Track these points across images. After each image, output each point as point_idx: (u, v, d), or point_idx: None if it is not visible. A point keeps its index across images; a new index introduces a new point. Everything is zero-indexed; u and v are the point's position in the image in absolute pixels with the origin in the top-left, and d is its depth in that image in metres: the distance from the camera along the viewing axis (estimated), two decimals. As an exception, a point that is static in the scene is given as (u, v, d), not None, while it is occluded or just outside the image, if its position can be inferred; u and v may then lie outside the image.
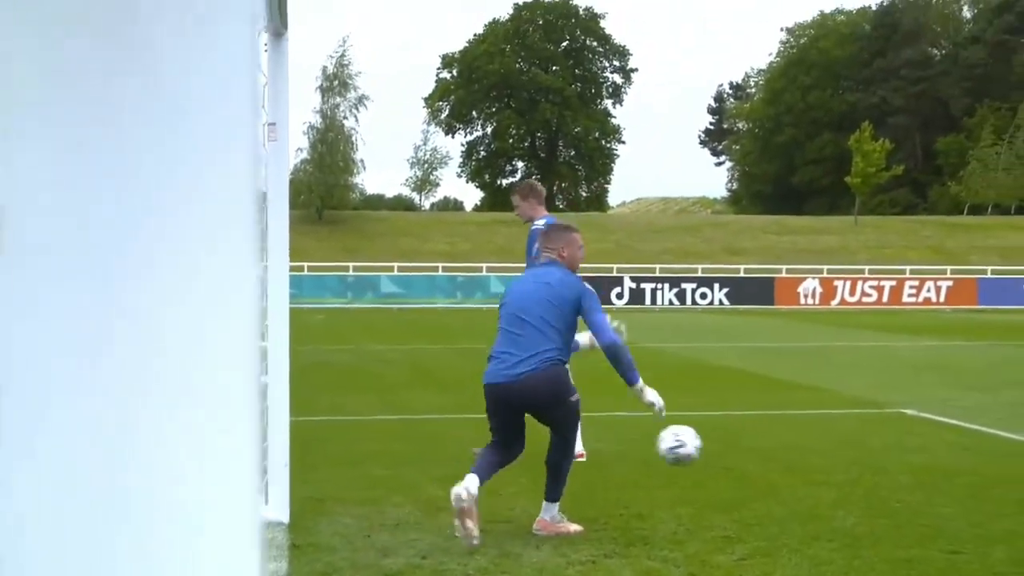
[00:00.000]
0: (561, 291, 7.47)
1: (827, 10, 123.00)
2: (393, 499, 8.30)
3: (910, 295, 45.68)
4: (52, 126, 0.70)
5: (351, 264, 47.35)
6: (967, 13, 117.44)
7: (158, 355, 0.71)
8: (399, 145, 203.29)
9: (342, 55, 70.56)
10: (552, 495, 7.56)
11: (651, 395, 7.48)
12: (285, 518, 7.36)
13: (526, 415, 7.63)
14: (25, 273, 0.69)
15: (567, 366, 7.63)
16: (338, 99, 70.55)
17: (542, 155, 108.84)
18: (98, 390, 0.70)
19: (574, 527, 7.43)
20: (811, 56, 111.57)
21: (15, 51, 0.68)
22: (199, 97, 0.72)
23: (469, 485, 7.03)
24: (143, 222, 0.71)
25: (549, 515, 7.47)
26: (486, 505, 8.06)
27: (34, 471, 0.70)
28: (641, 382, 7.45)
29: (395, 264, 47.16)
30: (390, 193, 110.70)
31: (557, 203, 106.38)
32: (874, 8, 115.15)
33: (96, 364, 0.70)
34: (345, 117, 70.95)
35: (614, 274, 45.86)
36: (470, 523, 6.88)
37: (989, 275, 49.16)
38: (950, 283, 46.37)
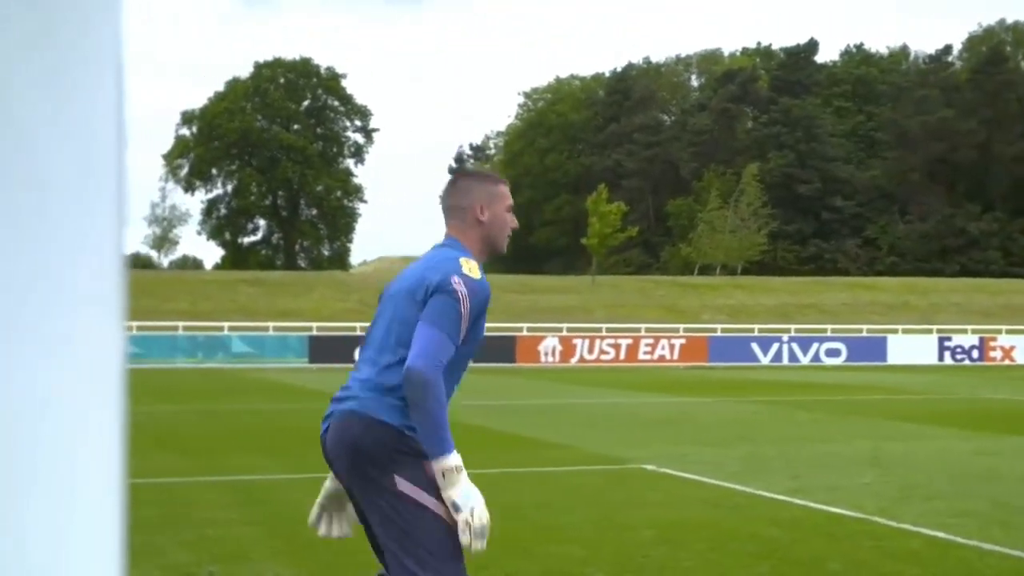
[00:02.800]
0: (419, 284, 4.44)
1: (563, 75, 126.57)
2: (142, 566, 8.08)
3: (646, 352, 47.10)
4: None
5: (85, 324, 45.80)
6: (694, 82, 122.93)
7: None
8: (136, 202, 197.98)
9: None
10: None
11: (460, 493, 4.23)
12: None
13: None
14: None
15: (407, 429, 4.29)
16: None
17: (284, 213, 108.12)
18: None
19: None
20: (548, 119, 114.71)
21: None
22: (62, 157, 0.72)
23: None
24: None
25: None
26: (235, 570, 7.94)
27: None
28: (451, 460, 4.21)
29: (134, 324, 45.89)
30: (127, 251, 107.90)
31: (299, 261, 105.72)
32: (607, 75, 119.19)
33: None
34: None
35: (358, 332, 45.74)
36: None
37: (719, 333, 51.20)
38: (683, 341, 48.05)
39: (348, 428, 4.33)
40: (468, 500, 4.19)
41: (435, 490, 4.21)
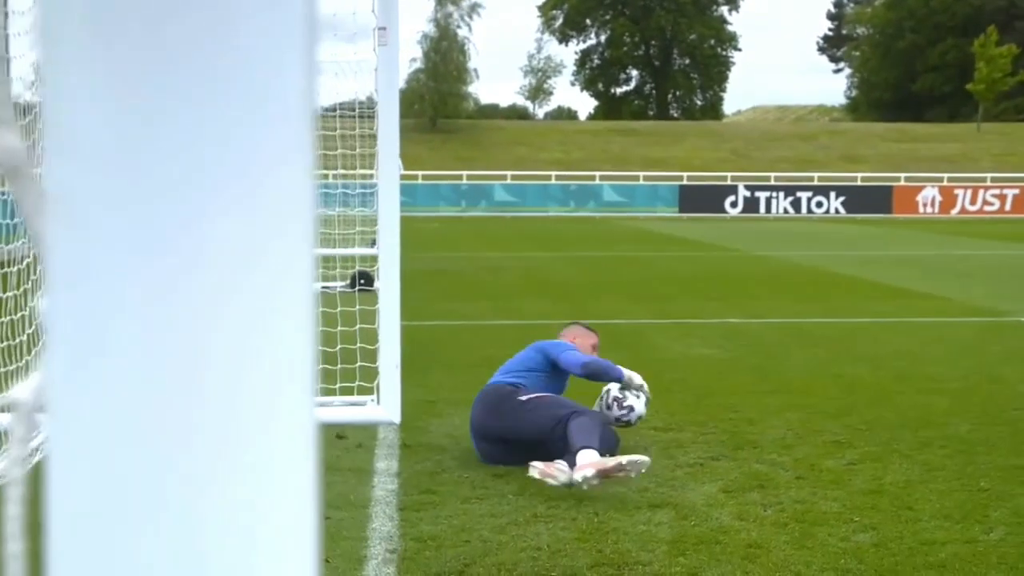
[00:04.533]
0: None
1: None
2: (503, 402, 8.38)
3: (1035, 204, 44.57)
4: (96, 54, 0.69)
5: (465, 173, 47.47)
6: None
7: (202, 267, 0.70)
8: (513, 54, 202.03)
9: (457, -37, 70.33)
10: None
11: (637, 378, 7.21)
12: (397, 419, 7.49)
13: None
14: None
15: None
16: (451, 8, 70.44)
17: (656, 63, 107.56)
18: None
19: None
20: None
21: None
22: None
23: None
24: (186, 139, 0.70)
25: None
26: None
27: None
28: (626, 373, 7.17)
29: (508, 173, 47.17)
30: (504, 102, 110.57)
31: (671, 111, 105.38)
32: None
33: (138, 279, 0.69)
34: (459, 26, 70.91)
35: (728, 182, 45.39)
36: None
37: (1119, 183, 47.72)
38: (1078, 191, 45.11)
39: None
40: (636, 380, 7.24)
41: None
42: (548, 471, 6.12)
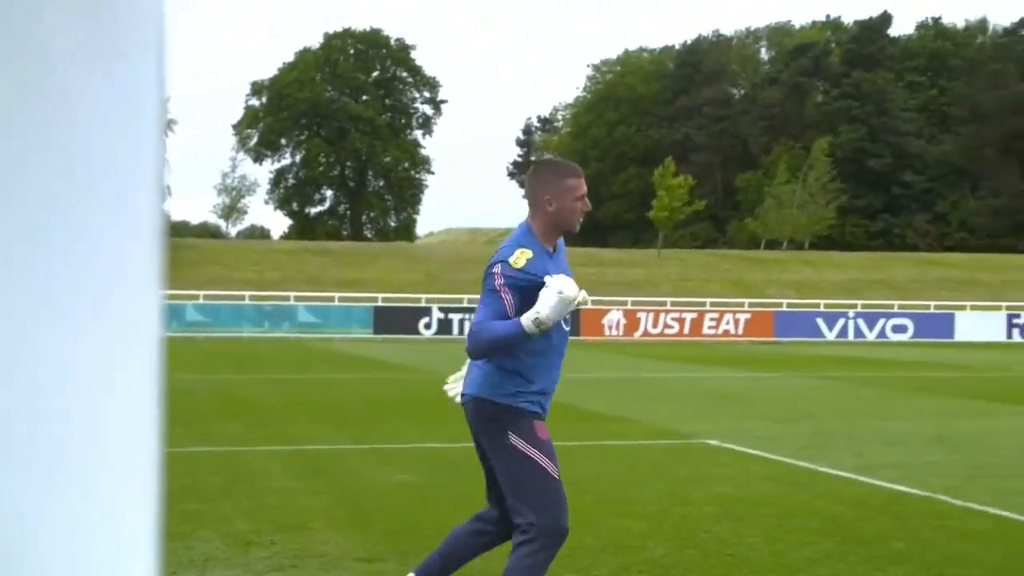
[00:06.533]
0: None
1: (632, 48, 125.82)
2: (202, 534, 8.13)
3: (710, 327, 46.83)
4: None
5: (154, 292, 46.26)
6: (765, 55, 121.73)
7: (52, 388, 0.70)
8: (207, 172, 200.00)
9: (147, 78, 69.58)
10: None
11: (544, 303, 5.09)
12: (91, 556, 7.15)
13: None
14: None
15: (497, 399, 5.61)
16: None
17: (351, 184, 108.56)
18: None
19: None
20: (617, 92, 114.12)
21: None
22: (102, 124, 0.70)
23: None
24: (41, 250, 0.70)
25: None
26: (295, 539, 7.98)
27: None
28: (527, 318, 5.08)
29: (201, 292, 46.30)
30: (196, 220, 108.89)
31: (366, 232, 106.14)
32: (677, 47, 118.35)
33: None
34: (150, 142, 69.83)
35: (422, 304, 45.88)
36: None
37: (784, 308, 50.78)
38: (748, 315, 47.71)
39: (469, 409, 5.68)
40: (552, 288, 5.05)
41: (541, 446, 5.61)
42: None
